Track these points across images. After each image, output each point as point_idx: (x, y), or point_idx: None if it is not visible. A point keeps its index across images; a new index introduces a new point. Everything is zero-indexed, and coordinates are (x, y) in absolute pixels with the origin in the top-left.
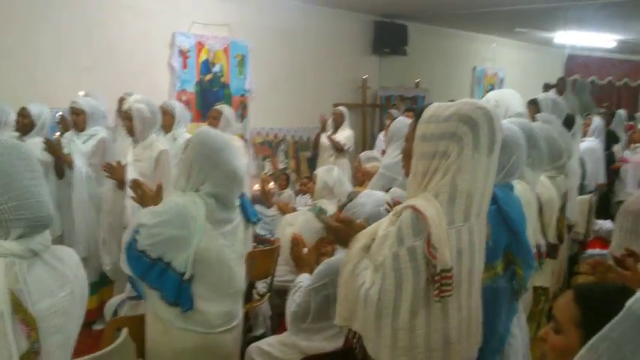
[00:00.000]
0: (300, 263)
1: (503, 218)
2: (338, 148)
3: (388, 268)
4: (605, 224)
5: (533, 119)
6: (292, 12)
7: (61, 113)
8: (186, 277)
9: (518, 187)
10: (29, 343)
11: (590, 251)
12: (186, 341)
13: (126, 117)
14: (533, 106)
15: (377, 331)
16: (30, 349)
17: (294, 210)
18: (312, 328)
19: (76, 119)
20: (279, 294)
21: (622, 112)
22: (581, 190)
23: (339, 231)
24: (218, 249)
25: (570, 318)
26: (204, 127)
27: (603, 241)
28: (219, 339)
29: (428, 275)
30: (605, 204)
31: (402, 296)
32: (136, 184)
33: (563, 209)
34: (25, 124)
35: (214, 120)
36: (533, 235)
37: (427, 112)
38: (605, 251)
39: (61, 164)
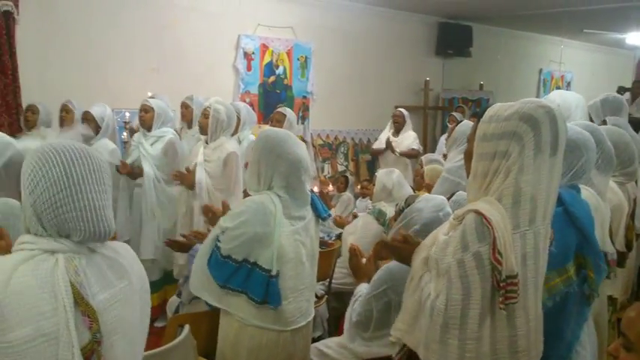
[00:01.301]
0: (359, 273)
1: (571, 220)
2: (413, 155)
3: (454, 276)
4: None
5: (604, 123)
6: (355, 14)
7: (127, 118)
8: (274, 272)
9: (585, 193)
10: (91, 334)
11: None
12: (261, 339)
13: (204, 114)
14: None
15: (443, 343)
16: (92, 339)
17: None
18: (373, 337)
19: (144, 116)
20: (337, 296)
21: None
22: None
23: (399, 249)
24: (294, 245)
25: None
26: (266, 127)
27: None
28: (292, 336)
29: (493, 282)
30: None
31: (469, 305)
32: (207, 209)
33: (632, 216)
34: (90, 128)
35: (278, 123)
36: (601, 242)
37: (489, 112)
38: None
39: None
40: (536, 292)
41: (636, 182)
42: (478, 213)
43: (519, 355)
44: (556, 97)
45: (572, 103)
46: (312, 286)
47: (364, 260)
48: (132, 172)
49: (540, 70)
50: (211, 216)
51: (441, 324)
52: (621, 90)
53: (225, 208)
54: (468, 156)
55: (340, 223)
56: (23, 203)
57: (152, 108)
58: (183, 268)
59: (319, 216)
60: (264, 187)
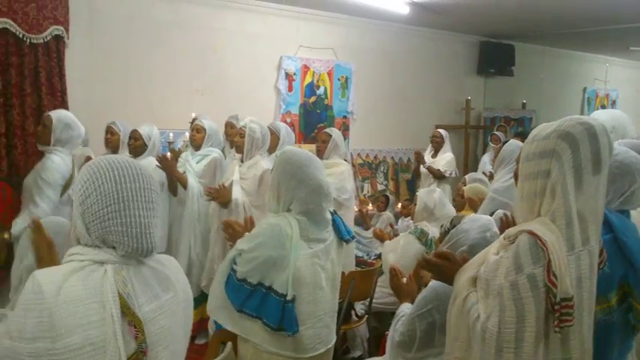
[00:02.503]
0: (401, 293)
1: (620, 248)
2: (437, 176)
3: (506, 298)
4: None
5: None
6: (395, 34)
7: (171, 138)
8: (289, 297)
9: (633, 212)
10: (137, 344)
11: None
12: None
13: (240, 134)
14: None
15: None
16: (138, 349)
17: (389, 237)
18: (416, 357)
19: (196, 136)
20: (378, 316)
21: None
22: None
23: (441, 267)
24: (312, 268)
25: None
26: (288, 147)
27: None
28: None
29: (547, 304)
30: None
31: (524, 328)
32: (227, 224)
33: None
34: (137, 147)
35: (323, 143)
36: None
37: (532, 132)
38: None
39: (174, 182)
40: (590, 315)
41: None
42: (532, 234)
43: None
44: (601, 115)
45: (626, 121)
46: (332, 312)
47: (405, 280)
48: (176, 172)
49: (584, 89)
50: (232, 232)
51: (495, 346)
52: None
53: (249, 224)
54: (516, 177)
55: (379, 236)
56: (73, 214)
57: (204, 129)
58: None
59: (342, 238)
60: (283, 209)
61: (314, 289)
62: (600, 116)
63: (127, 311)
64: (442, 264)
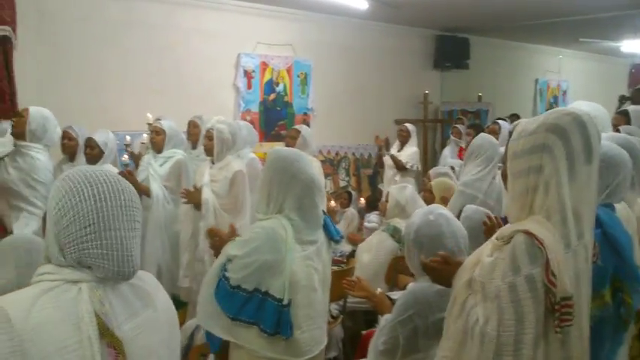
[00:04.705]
0: (380, 308)
1: (610, 242)
2: (399, 167)
3: (505, 300)
4: None
5: (617, 131)
6: (353, 29)
7: (128, 140)
8: (285, 302)
9: (617, 205)
10: None
11: None
12: None
13: (207, 136)
14: (624, 117)
15: None
16: None
17: (362, 240)
18: None
19: (156, 138)
20: (352, 316)
21: None
22: None
23: (438, 271)
24: (307, 271)
25: None
26: (274, 147)
27: None
28: None
29: (547, 304)
30: None
31: (524, 330)
32: (212, 232)
33: None
34: (94, 155)
35: (292, 140)
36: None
37: (517, 130)
38: None
39: (138, 190)
40: (587, 311)
41: None
42: (528, 234)
43: None
44: (582, 107)
45: (604, 114)
46: (324, 313)
47: (379, 290)
48: (138, 185)
49: (537, 80)
50: (218, 240)
51: (494, 351)
52: (623, 99)
53: (232, 231)
54: (504, 177)
55: (353, 241)
56: (47, 231)
57: (164, 130)
58: (189, 291)
59: (332, 239)
60: (274, 211)
61: (309, 292)
62: (581, 107)
63: (104, 332)
64: (440, 267)
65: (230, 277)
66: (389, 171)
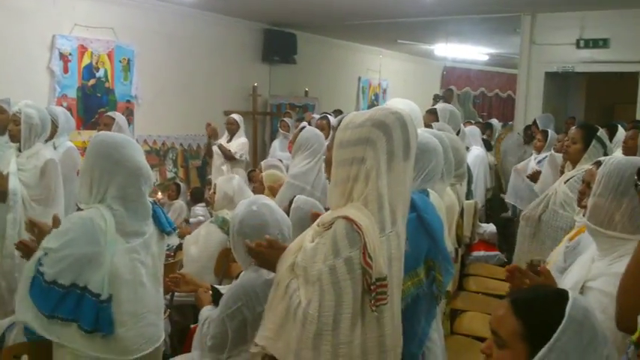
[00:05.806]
0: (199, 302)
1: (424, 225)
2: (228, 156)
3: (326, 282)
4: (489, 227)
5: (430, 128)
6: (180, 17)
7: None
8: (104, 297)
9: (432, 195)
10: None
11: (475, 253)
12: None
13: (13, 120)
14: (432, 115)
15: (316, 349)
16: None
17: (189, 232)
18: (230, 356)
19: None
20: (180, 310)
21: (496, 122)
22: (468, 195)
23: (264, 255)
24: (131, 265)
25: (513, 332)
26: (100, 132)
27: (487, 243)
28: None
29: (364, 285)
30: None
31: (342, 310)
32: (32, 224)
33: (462, 215)
34: None
35: (106, 127)
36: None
37: (345, 120)
38: (490, 253)
39: None
40: (398, 292)
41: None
42: (348, 219)
43: (386, 355)
44: (399, 105)
45: (417, 111)
46: (157, 309)
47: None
48: None
49: (359, 78)
50: (38, 232)
51: (314, 331)
52: (437, 97)
53: (56, 222)
54: (328, 164)
55: (181, 234)
56: None
57: None
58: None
59: (163, 230)
60: (96, 199)
61: (135, 287)
62: (398, 105)
63: None
64: (265, 252)
65: (45, 271)
66: (217, 161)
